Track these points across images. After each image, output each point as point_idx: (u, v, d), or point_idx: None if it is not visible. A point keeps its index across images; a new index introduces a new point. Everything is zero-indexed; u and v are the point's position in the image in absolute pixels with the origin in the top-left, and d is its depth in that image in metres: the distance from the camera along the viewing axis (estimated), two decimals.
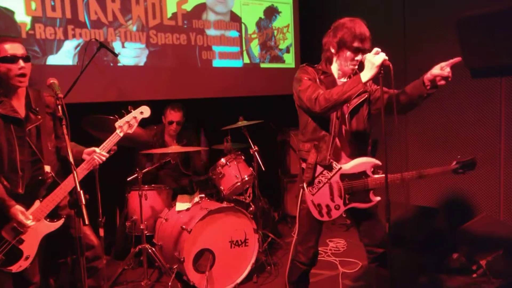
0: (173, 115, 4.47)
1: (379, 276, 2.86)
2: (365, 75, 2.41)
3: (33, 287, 2.78)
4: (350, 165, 2.66)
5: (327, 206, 2.69)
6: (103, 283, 3.02)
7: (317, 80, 2.63)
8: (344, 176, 2.66)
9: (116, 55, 4.18)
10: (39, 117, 2.71)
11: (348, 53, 2.55)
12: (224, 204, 3.83)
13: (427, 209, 4.60)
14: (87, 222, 2.06)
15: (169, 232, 3.80)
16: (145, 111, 2.91)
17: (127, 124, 2.85)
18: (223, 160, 4.15)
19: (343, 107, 2.63)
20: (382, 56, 2.37)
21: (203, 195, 3.98)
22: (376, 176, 2.64)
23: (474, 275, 3.71)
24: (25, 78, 2.62)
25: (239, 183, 4.10)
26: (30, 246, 2.64)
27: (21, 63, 2.57)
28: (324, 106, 2.46)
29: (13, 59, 2.55)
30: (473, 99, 4.35)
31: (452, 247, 4.02)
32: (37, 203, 2.65)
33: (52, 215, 2.69)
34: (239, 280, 3.79)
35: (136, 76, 4.66)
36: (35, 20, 4.06)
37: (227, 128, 4.35)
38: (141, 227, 3.80)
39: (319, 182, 2.68)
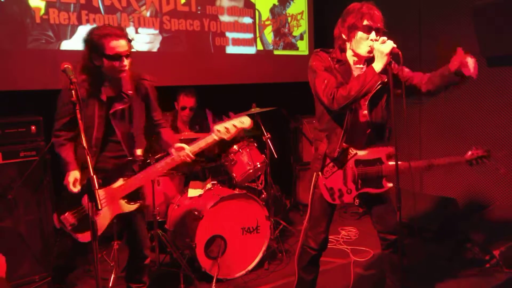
0: (186, 101, 4.46)
1: (391, 263, 2.85)
2: (377, 65, 2.40)
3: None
4: (365, 151, 2.66)
5: (340, 190, 2.69)
6: (147, 281, 3.08)
7: (332, 68, 2.59)
8: (358, 162, 2.66)
9: (130, 40, 4.16)
10: (126, 100, 2.77)
11: (359, 34, 2.49)
12: (236, 191, 3.83)
13: (441, 199, 4.57)
14: (100, 207, 2.07)
15: (181, 218, 3.82)
16: (245, 122, 2.84)
17: (226, 129, 2.81)
18: (235, 147, 4.15)
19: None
20: (391, 44, 2.35)
21: (215, 182, 3.99)
22: (391, 163, 2.63)
23: (487, 265, 3.69)
24: (125, 72, 2.70)
25: (251, 170, 4.09)
26: (102, 221, 2.72)
27: (125, 61, 2.65)
28: (342, 104, 2.45)
29: (118, 57, 2.62)
30: (489, 87, 4.28)
31: (465, 237, 3.99)
32: (120, 181, 2.75)
33: (131, 198, 2.77)
34: (250, 267, 3.80)
35: (149, 62, 4.65)
36: (49, 5, 4.06)
37: (240, 115, 4.32)
38: (154, 212, 3.82)
39: (333, 166, 2.67)
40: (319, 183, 2.70)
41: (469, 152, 2.65)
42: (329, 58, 2.62)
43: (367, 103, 2.63)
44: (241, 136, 4.31)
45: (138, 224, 2.92)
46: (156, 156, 3.93)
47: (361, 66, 2.63)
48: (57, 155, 2.76)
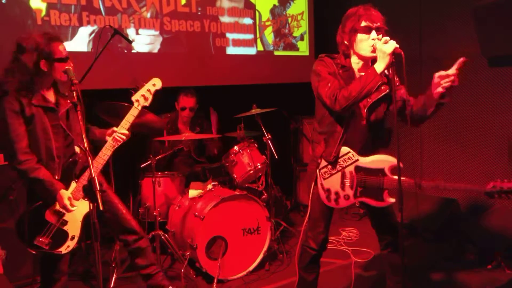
0: (186, 101, 4.47)
1: (391, 263, 2.85)
2: (379, 66, 2.38)
3: (65, 277, 2.92)
4: (369, 159, 2.60)
5: (336, 193, 2.67)
6: (155, 261, 3.12)
7: (336, 74, 2.59)
8: (359, 169, 2.61)
9: (130, 41, 4.18)
10: (68, 100, 2.80)
11: (360, 36, 2.49)
12: (237, 192, 3.84)
13: (442, 199, 4.56)
14: (101, 208, 2.08)
15: (182, 219, 3.82)
16: (157, 83, 3.00)
17: (143, 97, 2.93)
18: (236, 147, 4.15)
19: (363, 101, 2.59)
20: (393, 44, 2.33)
21: (216, 183, 3.99)
22: (394, 177, 2.52)
23: (489, 266, 3.68)
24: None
25: (251, 171, 4.09)
26: (73, 227, 2.75)
27: (70, 62, 2.72)
28: (344, 105, 2.44)
29: (66, 59, 2.71)
30: (490, 87, 4.28)
31: (466, 238, 3.99)
32: (73, 184, 2.76)
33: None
34: (251, 268, 3.81)
35: (149, 63, 4.66)
36: (50, 6, 4.07)
37: (240, 115, 4.34)
38: (154, 213, 3.82)
39: (332, 168, 2.66)
40: (317, 182, 2.70)
41: (492, 184, 2.37)
42: (334, 64, 2.61)
43: (367, 107, 2.64)
44: (241, 137, 4.31)
45: (115, 212, 2.95)
46: (158, 157, 3.96)
47: (363, 73, 2.62)
48: (32, 181, 2.63)
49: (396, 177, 2.42)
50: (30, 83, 2.65)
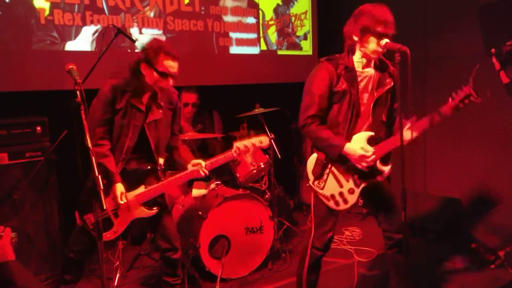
0: (188, 97, 4.47)
1: (395, 263, 2.85)
2: (349, 149, 2.52)
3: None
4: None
5: (340, 194, 2.67)
6: (181, 274, 3.13)
7: (336, 76, 2.59)
8: (343, 159, 2.62)
9: (133, 41, 4.18)
10: (161, 111, 2.89)
11: (372, 39, 2.49)
12: (240, 191, 3.84)
13: (445, 199, 4.56)
14: (104, 207, 2.08)
15: (185, 218, 3.83)
16: (264, 141, 2.99)
17: (245, 147, 2.93)
18: None
19: (369, 98, 2.64)
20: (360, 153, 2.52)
21: (219, 182, 4.00)
22: (377, 145, 2.60)
23: (492, 266, 3.68)
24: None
25: (254, 171, 4.10)
26: (120, 223, 2.85)
27: (171, 81, 2.79)
28: (307, 134, 2.67)
29: (167, 76, 2.76)
30: (494, 86, 4.26)
31: (470, 237, 3.98)
32: (141, 188, 2.84)
33: (149, 204, 2.86)
34: (254, 267, 3.81)
35: None
36: (53, 5, 4.08)
37: (243, 115, 4.34)
38: None
39: (321, 176, 2.67)
40: (318, 195, 2.71)
41: (450, 99, 2.58)
42: (334, 68, 2.61)
43: (371, 108, 2.64)
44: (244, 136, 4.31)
45: (165, 221, 2.99)
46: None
47: (367, 70, 2.64)
48: (98, 165, 2.68)
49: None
50: (130, 82, 2.79)
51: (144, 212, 2.85)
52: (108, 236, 2.82)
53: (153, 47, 2.73)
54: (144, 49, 2.77)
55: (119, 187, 2.75)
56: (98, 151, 2.71)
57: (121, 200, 2.74)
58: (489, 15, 4.01)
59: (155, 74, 2.73)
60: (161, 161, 2.91)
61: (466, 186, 4.59)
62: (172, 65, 2.74)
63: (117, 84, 2.79)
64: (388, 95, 2.69)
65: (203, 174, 2.90)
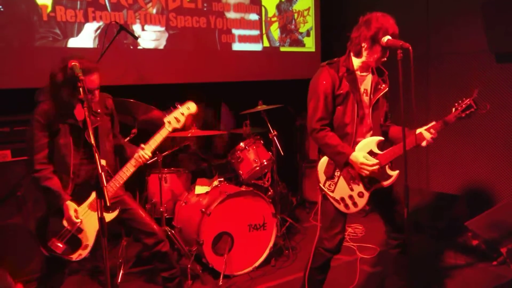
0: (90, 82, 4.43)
1: (397, 263, 2.85)
2: (353, 160, 2.54)
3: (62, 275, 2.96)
4: (356, 150, 2.63)
5: (350, 197, 2.68)
6: (176, 265, 3.11)
7: (338, 79, 2.62)
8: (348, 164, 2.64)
9: (136, 38, 4.18)
10: (98, 118, 2.84)
11: (379, 49, 2.52)
12: (243, 188, 3.84)
13: (447, 196, 4.55)
14: (108, 204, 2.08)
15: (188, 215, 3.83)
16: (191, 107, 3.00)
17: (175, 119, 2.94)
18: (242, 144, 4.15)
19: (368, 101, 2.68)
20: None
21: (222, 179, 4.00)
22: (384, 152, 2.62)
23: (494, 263, 3.68)
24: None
25: (257, 168, 4.10)
26: (88, 236, 2.77)
27: (97, 94, 2.74)
28: (315, 140, 2.66)
29: (93, 92, 2.71)
30: (497, 83, 4.25)
31: (472, 234, 3.97)
32: (93, 195, 2.77)
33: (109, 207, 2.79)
34: (257, 264, 3.82)
35: (155, 59, 4.66)
36: (56, 2, 4.08)
37: (246, 112, 4.34)
38: (161, 209, 3.84)
39: (333, 178, 2.68)
40: (328, 198, 2.72)
41: (453, 109, 2.62)
42: (335, 72, 2.64)
43: (370, 109, 2.68)
44: (247, 134, 4.31)
45: (138, 217, 2.95)
46: (164, 153, 3.96)
47: (365, 74, 2.69)
48: (43, 189, 2.70)
49: (385, 151, 2.61)
50: (57, 103, 2.70)
51: (106, 216, 2.71)
52: (81, 254, 2.75)
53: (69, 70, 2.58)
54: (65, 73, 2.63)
55: (71, 206, 2.68)
56: (40, 176, 2.67)
57: (77, 219, 2.68)
58: (492, 12, 3.99)
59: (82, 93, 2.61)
60: (103, 162, 2.80)
61: (469, 183, 4.58)
62: (93, 80, 2.67)
63: (48, 108, 2.70)
64: (384, 100, 2.74)
65: (146, 157, 2.86)
